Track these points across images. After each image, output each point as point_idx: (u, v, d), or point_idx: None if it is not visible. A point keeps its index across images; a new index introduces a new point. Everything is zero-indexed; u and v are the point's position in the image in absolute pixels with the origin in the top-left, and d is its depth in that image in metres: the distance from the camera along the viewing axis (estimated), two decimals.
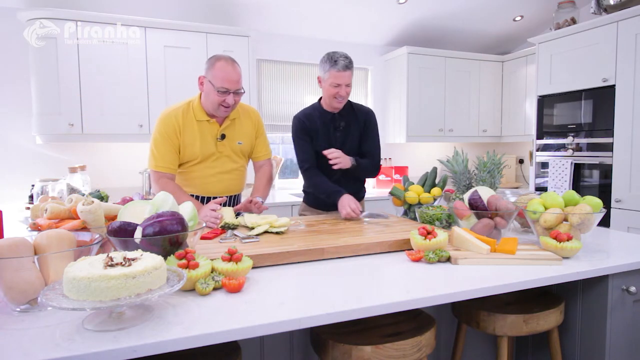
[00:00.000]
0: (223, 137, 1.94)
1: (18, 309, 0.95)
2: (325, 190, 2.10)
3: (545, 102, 3.51)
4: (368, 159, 2.21)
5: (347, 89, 2.09)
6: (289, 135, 4.16)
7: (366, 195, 2.48)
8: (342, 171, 2.14)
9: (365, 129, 2.23)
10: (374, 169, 2.24)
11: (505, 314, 1.34)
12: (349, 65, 2.07)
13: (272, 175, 2.21)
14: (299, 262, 1.34)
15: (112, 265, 0.87)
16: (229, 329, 0.87)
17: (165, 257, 1.07)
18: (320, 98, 2.24)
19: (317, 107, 2.23)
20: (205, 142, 1.90)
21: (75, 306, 0.80)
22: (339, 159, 2.05)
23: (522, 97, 4.16)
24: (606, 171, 3.04)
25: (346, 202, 1.98)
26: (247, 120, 2.04)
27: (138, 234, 1.08)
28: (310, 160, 2.16)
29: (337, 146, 2.15)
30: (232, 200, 2.08)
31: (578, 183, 3.26)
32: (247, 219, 1.73)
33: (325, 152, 2.06)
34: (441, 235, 1.39)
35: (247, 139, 2.04)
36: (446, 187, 2.06)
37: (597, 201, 1.45)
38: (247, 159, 2.12)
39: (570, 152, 3.27)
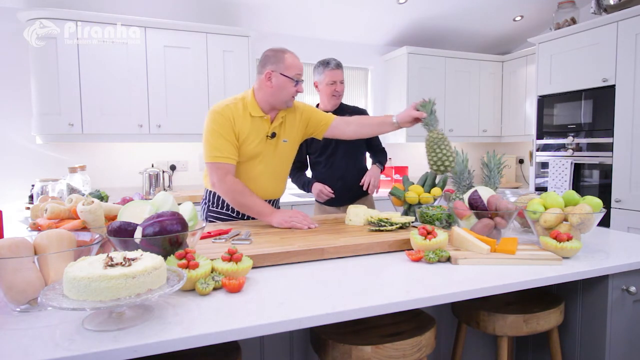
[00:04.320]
0: (274, 135, 1.84)
1: (18, 309, 0.95)
2: (302, 183, 2.49)
3: (545, 102, 3.51)
4: (380, 152, 2.59)
5: (342, 85, 2.43)
6: None
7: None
8: (345, 166, 2.46)
9: None
10: (386, 158, 2.61)
11: (505, 314, 1.34)
12: (339, 64, 2.43)
13: None
14: (299, 262, 1.34)
15: (112, 265, 0.87)
16: (229, 329, 0.87)
17: (165, 257, 1.07)
18: (317, 104, 2.52)
19: None
20: (258, 140, 1.80)
21: (75, 306, 0.80)
22: (369, 181, 2.39)
23: (522, 97, 4.16)
24: (606, 171, 3.04)
25: (318, 187, 2.38)
26: (291, 115, 1.93)
27: (138, 234, 1.08)
28: (296, 163, 2.41)
29: (335, 142, 2.44)
30: (272, 204, 1.96)
31: (578, 183, 3.26)
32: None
33: (362, 185, 2.40)
34: (441, 235, 1.39)
35: (292, 137, 1.93)
36: (446, 187, 2.06)
37: (597, 201, 1.45)
38: (290, 162, 2.00)
39: (570, 152, 3.27)
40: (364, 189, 2.39)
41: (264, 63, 1.80)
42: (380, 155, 2.56)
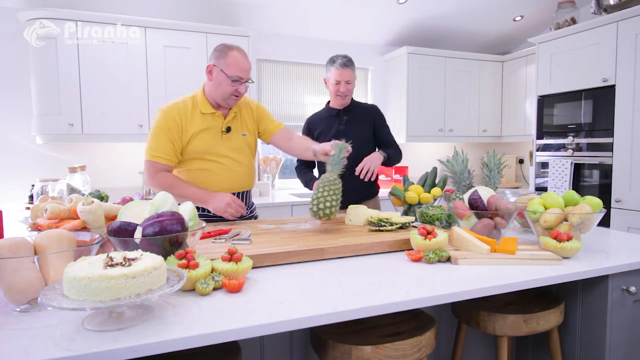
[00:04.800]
0: (229, 129, 1.89)
1: (18, 309, 0.95)
2: (305, 180, 2.41)
3: (545, 102, 3.51)
4: (391, 147, 2.40)
5: (348, 85, 2.28)
6: None
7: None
8: (348, 167, 2.21)
9: (376, 122, 2.42)
10: (399, 154, 2.44)
11: (505, 314, 1.34)
12: (347, 63, 2.25)
13: None
14: (299, 262, 1.34)
15: (112, 265, 0.87)
16: (229, 329, 0.87)
17: (165, 257, 1.07)
18: (328, 102, 2.48)
19: (325, 108, 2.48)
20: (211, 136, 1.86)
21: (75, 306, 0.80)
22: (368, 167, 2.14)
23: (522, 97, 4.16)
24: (606, 171, 3.04)
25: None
26: (246, 111, 2.01)
27: (138, 234, 1.08)
28: (305, 160, 2.43)
29: (342, 140, 2.22)
30: (243, 197, 2.01)
31: (578, 183, 3.26)
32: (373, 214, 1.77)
33: (357, 172, 2.15)
34: (441, 235, 1.39)
35: (250, 130, 2.00)
36: (446, 187, 2.06)
37: (597, 201, 1.45)
38: (253, 153, 2.06)
39: (570, 152, 3.27)
40: (357, 173, 2.15)
41: (211, 56, 1.85)
42: (390, 150, 2.37)
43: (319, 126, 2.41)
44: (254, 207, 2.14)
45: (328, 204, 1.65)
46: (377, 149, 2.42)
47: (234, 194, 1.94)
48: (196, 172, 1.87)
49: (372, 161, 2.17)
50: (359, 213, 1.78)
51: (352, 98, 2.42)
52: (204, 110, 1.85)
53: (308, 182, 2.41)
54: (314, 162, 2.49)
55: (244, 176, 1.98)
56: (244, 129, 1.97)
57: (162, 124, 1.80)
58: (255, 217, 2.13)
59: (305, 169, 2.47)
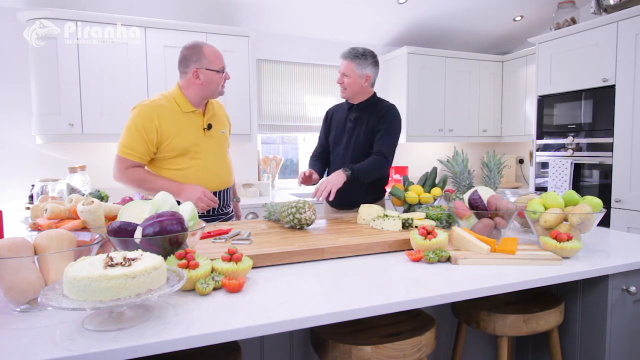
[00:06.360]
0: (210, 126, 1.93)
1: (18, 309, 0.95)
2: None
3: (545, 102, 3.51)
4: (372, 156, 2.08)
5: (345, 79, 2.11)
6: (289, 135, 4.18)
7: None
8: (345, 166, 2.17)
9: (378, 123, 2.15)
10: (376, 167, 2.06)
11: (505, 314, 1.34)
12: (347, 54, 2.11)
13: None
14: (299, 262, 1.34)
15: (112, 265, 0.87)
16: (229, 329, 0.87)
17: (165, 257, 1.07)
18: None
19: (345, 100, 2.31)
20: (192, 133, 1.87)
21: (75, 306, 0.80)
22: (323, 189, 1.90)
23: (522, 97, 4.16)
24: (606, 171, 3.04)
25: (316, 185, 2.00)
26: (220, 111, 2.08)
27: (138, 234, 1.08)
28: (316, 150, 2.36)
29: (347, 137, 2.21)
30: (226, 194, 2.01)
31: (578, 183, 3.26)
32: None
33: (313, 195, 1.94)
34: (441, 235, 1.39)
35: (226, 128, 2.07)
36: (446, 187, 2.06)
37: (597, 201, 1.45)
38: (227, 151, 2.10)
39: (570, 152, 3.27)
40: (313, 196, 1.93)
41: (187, 62, 1.88)
42: (364, 163, 2.06)
43: (335, 117, 2.30)
44: (231, 208, 2.11)
45: (300, 207, 1.66)
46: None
47: (218, 191, 1.95)
48: (180, 171, 1.86)
49: (329, 182, 1.92)
50: (372, 213, 1.78)
51: (377, 95, 2.25)
52: (185, 109, 1.87)
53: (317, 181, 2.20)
54: (328, 157, 2.33)
55: (226, 172, 2.01)
56: (221, 126, 2.02)
57: (138, 122, 1.77)
58: (231, 218, 2.12)
59: (316, 160, 2.31)
